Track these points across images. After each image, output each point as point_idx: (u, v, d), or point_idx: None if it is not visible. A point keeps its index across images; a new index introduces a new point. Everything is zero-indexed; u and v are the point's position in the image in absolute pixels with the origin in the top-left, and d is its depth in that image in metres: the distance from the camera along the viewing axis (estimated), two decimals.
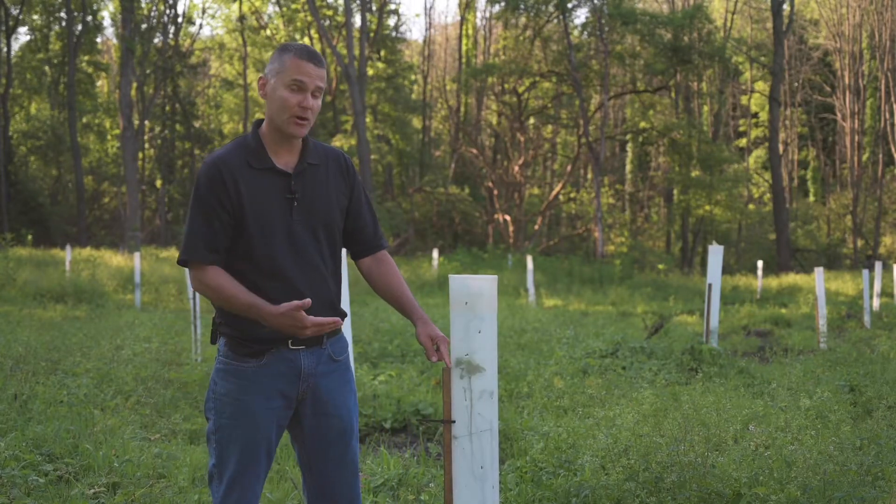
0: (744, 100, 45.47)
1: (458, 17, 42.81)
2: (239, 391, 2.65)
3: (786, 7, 33.12)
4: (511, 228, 35.06)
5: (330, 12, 38.64)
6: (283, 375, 2.66)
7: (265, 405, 2.64)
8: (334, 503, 2.78)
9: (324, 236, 2.72)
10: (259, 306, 2.55)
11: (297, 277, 2.65)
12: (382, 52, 38.46)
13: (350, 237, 2.85)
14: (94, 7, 36.61)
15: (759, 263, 22.86)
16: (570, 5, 31.73)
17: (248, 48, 40.37)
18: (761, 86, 41.86)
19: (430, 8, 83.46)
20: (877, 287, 14.45)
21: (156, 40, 36.46)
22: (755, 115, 44.55)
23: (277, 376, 2.65)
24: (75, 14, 34.29)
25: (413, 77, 42.47)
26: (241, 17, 39.34)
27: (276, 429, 2.70)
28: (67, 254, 17.71)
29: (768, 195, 41.62)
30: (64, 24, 36.35)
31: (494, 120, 40.11)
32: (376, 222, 2.90)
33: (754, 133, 44.80)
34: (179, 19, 37.64)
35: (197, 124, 40.58)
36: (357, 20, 33.78)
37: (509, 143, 37.76)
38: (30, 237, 25.59)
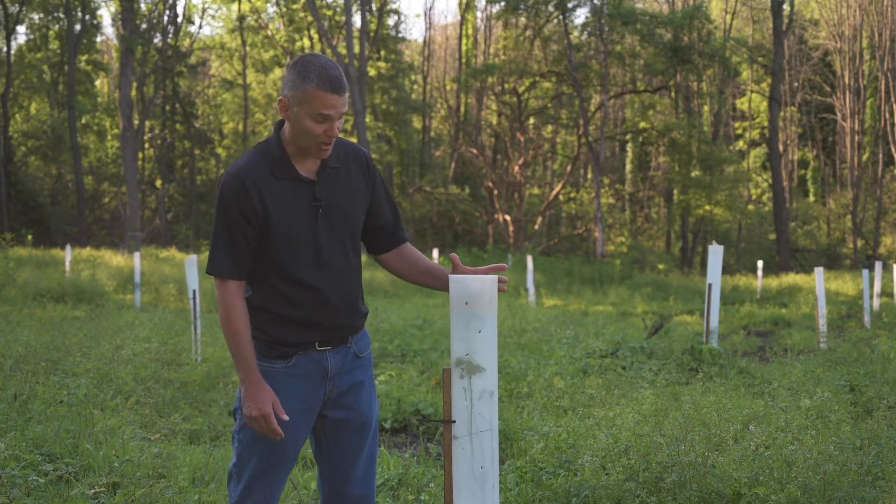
0: (740, 104, 45.41)
1: (458, 17, 42.84)
2: None
3: (786, 7, 33.11)
4: (511, 228, 35.06)
5: (330, 12, 38.63)
6: (310, 376, 2.69)
7: (293, 406, 2.66)
8: (348, 496, 2.81)
9: (348, 240, 2.73)
10: (250, 367, 2.59)
11: (322, 285, 2.66)
12: (382, 52, 38.46)
13: (371, 234, 2.85)
14: (93, 6, 36.59)
15: (759, 263, 22.86)
16: (570, 5, 31.74)
17: (248, 48, 40.36)
18: (755, 87, 41.83)
19: (430, 8, 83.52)
20: (877, 287, 14.44)
21: (156, 40, 36.46)
22: (753, 118, 44.51)
23: (305, 377, 2.68)
24: (74, 14, 34.26)
25: (413, 77, 42.46)
26: (241, 17, 39.33)
27: (303, 429, 2.72)
28: (67, 254, 17.70)
29: (767, 195, 41.63)
30: (63, 23, 36.33)
31: (494, 120, 40.11)
32: (397, 217, 2.89)
33: (753, 133, 44.75)
34: (179, 19, 37.66)
35: (197, 124, 40.57)
36: (357, 20, 33.79)
37: (509, 143, 37.76)
38: (30, 237, 25.57)
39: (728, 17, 38.95)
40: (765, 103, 39.94)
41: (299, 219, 2.63)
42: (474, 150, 37.11)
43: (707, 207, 33.47)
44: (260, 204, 2.59)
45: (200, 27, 51.86)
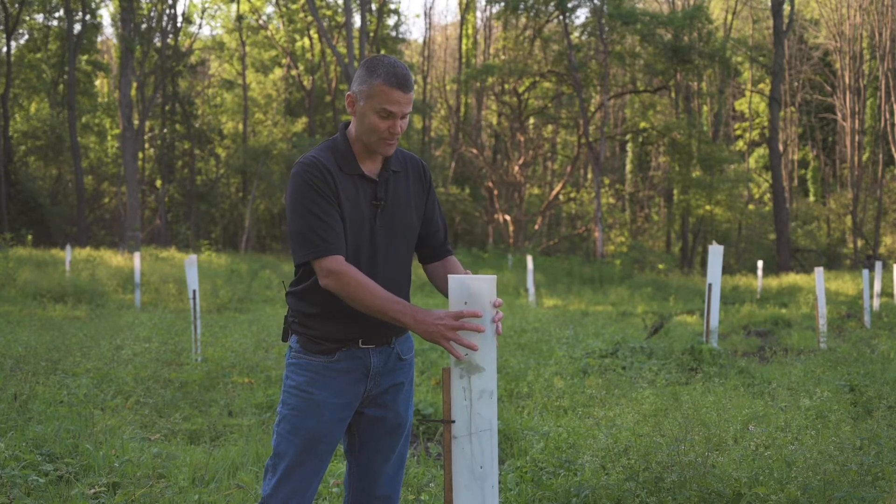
0: (738, 105, 45.38)
1: (458, 18, 42.84)
2: (308, 384, 2.69)
3: (786, 7, 33.10)
4: (511, 228, 35.06)
5: (330, 12, 38.62)
6: (351, 373, 2.72)
7: (332, 400, 2.69)
8: (374, 496, 2.84)
9: (403, 242, 2.78)
10: (406, 306, 2.51)
11: (377, 282, 2.67)
12: (382, 52, 38.43)
13: (422, 242, 2.90)
14: (93, 5, 36.53)
15: (759, 263, 22.85)
16: (570, 5, 31.74)
17: (248, 48, 40.32)
18: (754, 87, 41.82)
19: (430, 8, 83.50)
20: (877, 287, 14.43)
21: (156, 40, 36.43)
22: (752, 120, 44.49)
23: (346, 373, 2.71)
24: (75, 14, 34.24)
25: (413, 77, 42.42)
26: (240, 17, 39.31)
27: (340, 425, 2.73)
28: (67, 254, 17.70)
29: (768, 195, 41.61)
30: (62, 23, 36.30)
31: (494, 120, 40.11)
32: (446, 229, 2.95)
33: (753, 134, 44.74)
34: (179, 19, 37.64)
35: (197, 124, 40.56)
36: (357, 20, 33.78)
37: (509, 143, 37.76)
38: (30, 237, 25.55)
39: (728, 17, 38.93)
40: (764, 103, 39.94)
41: (360, 214, 2.69)
42: (474, 150, 37.10)
43: (707, 207, 33.46)
44: (335, 188, 2.66)
45: (200, 27, 51.79)
